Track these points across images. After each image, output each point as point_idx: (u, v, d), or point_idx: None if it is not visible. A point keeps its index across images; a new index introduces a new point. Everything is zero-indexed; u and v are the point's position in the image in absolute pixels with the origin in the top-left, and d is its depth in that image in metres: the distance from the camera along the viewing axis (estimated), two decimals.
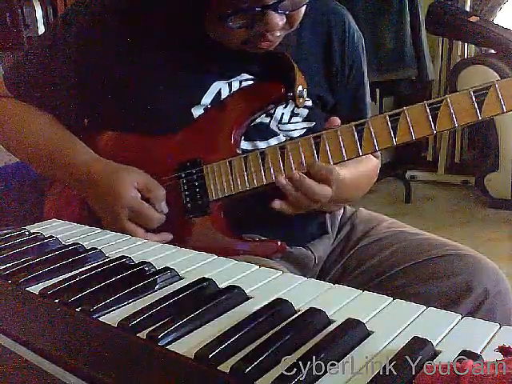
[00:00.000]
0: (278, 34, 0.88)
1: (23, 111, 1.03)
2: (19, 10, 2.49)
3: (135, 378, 0.41)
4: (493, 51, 3.06)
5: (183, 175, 0.93)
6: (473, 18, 2.95)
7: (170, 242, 0.88)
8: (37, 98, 1.02)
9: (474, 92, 0.82)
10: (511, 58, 2.83)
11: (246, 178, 0.90)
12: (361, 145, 0.86)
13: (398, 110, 0.85)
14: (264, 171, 0.90)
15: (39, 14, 2.54)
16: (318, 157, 0.89)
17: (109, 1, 0.97)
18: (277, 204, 0.89)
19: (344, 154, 0.87)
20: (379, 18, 2.77)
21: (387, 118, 0.85)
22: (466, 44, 3.32)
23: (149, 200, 0.91)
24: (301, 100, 0.93)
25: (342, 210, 1.12)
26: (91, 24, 0.95)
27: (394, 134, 0.85)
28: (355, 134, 0.86)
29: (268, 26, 0.84)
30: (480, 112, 0.81)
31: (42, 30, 2.54)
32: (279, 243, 0.93)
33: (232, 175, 0.91)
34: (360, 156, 0.88)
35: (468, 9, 3.22)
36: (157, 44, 0.94)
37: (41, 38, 1.04)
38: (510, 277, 0.97)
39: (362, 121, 0.86)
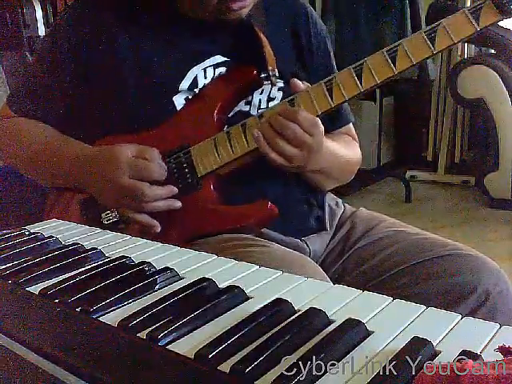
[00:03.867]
0: None
1: (21, 124, 1.06)
2: (19, 10, 2.49)
3: (135, 378, 0.41)
4: (493, 51, 3.06)
5: (172, 160, 0.97)
6: None
7: (165, 224, 0.93)
8: (33, 105, 1.05)
9: (425, 32, 0.93)
10: (511, 58, 2.83)
11: (230, 148, 0.96)
12: (331, 97, 0.95)
13: (360, 61, 0.94)
14: (246, 138, 0.96)
15: (39, 13, 2.54)
16: None
17: None
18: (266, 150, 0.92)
19: (318, 109, 0.95)
20: (380, 18, 2.77)
21: (351, 69, 0.94)
22: (465, 44, 3.32)
23: None
24: (273, 79, 1.00)
25: (341, 208, 1.12)
26: (76, 21, 1.00)
27: (360, 80, 0.94)
28: (325, 88, 0.95)
29: None
30: (433, 46, 0.93)
31: (42, 29, 2.55)
32: (269, 204, 0.94)
33: (217, 149, 0.96)
34: (332, 107, 0.94)
35: None
36: (133, 34, 0.98)
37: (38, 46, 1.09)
38: (510, 277, 0.97)
39: (330, 77, 0.95)
